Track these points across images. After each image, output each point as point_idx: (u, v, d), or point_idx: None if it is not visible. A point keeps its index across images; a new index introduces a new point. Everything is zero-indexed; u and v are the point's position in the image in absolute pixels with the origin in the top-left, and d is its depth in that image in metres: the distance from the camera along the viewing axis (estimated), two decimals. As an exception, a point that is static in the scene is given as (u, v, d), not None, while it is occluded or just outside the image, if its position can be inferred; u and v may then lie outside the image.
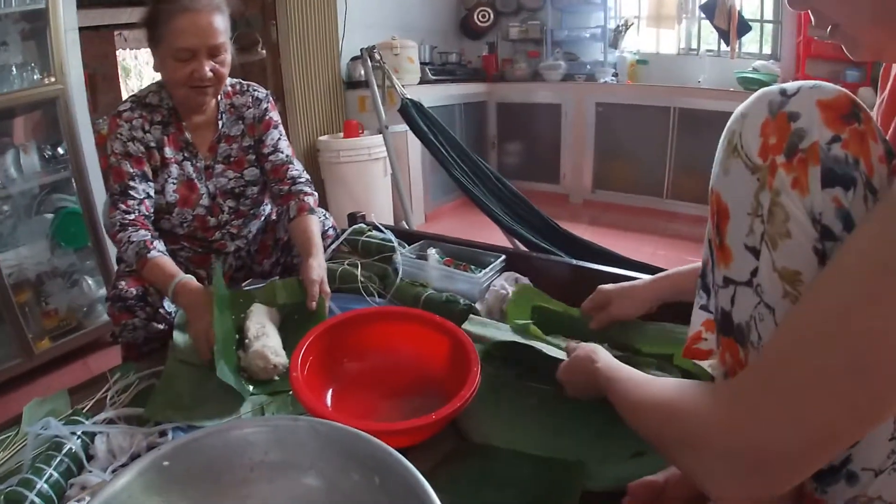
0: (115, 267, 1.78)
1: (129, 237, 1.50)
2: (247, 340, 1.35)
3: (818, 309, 0.55)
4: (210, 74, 1.52)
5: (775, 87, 0.61)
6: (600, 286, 1.32)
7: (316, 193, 1.76)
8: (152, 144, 1.61)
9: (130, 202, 1.55)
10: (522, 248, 2.47)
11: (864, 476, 0.63)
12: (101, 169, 2.75)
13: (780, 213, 0.58)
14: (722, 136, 0.66)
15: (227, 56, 1.58)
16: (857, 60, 0.64)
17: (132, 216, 1.54)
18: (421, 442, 1.06)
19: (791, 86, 0.60)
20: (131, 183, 1.56)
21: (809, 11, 0.66)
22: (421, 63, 4.60)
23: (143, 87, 1.68)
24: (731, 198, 0.64)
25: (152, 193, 1.61)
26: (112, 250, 2.68)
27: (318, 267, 1.50)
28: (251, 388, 1.28)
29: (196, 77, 1.51)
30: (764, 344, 0.62)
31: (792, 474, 0.56)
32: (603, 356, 0.99)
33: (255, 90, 1.77)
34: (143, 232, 1.52)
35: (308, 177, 1.79)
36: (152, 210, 1.61)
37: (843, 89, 0.58)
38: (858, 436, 0.55)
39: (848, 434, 0.53)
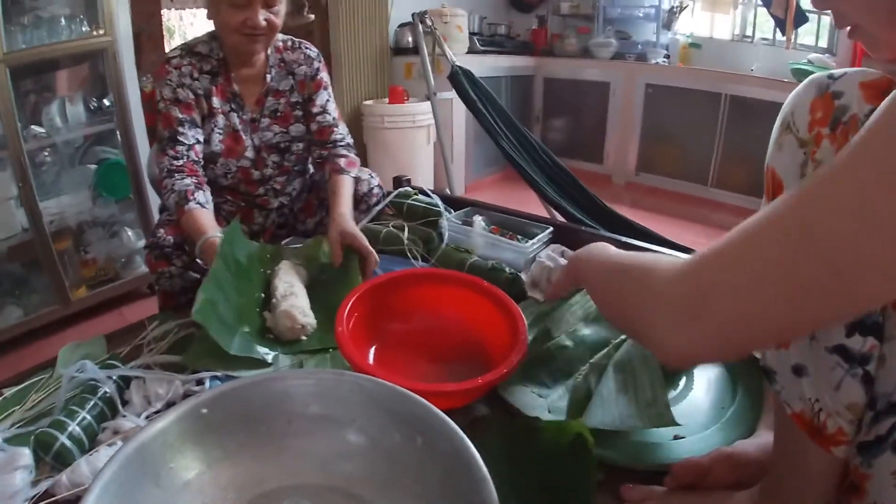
0: (157, 218, 1.78)
1: (174, 184, 1.50)
2: (274, 300, 1.32)
3: (794, 191, 0.56)
4: (263, 23, 1.51)
5: (825, 72, 0.66)
6: None
7: (352, 155, 1.75)
8: (200, 92, 1.61)
9: (179, 147, 1.55)
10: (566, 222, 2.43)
11: None
12: (146, 125, 2.76)
13: None
14: (778, 117, 0.70)
15: (282, 7, 1.57)
16: (878, 60, 0.67)
17: (180, 162, 1.54)
18: (459, 407, 1.04)
19: (839, 71, 0.65)
20: (180, 129, 1.56)
21: (831, 11, 0.69)
22: (470, 33, 4.56)
23: (195, 37, 1.67)
24: (785, 171, 0.68)
25: (201, 139, 1.60)
26: (154, 202, 2.70)
27: (340, 223, 1.49)
28: (279, 349, 1.26)
29: (249, 24, 1.50)
30: None
31: (739, 332, 0.56)
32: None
33: (307, 48, 1.77)
34: (187, 180, 1.51)
35: (350, 140, 1.79)
36: (202, 155, 1.61)
37: (889, 74, 0.61)
38: (803, 312, 0.53)
39: (791, 301, 0.52)
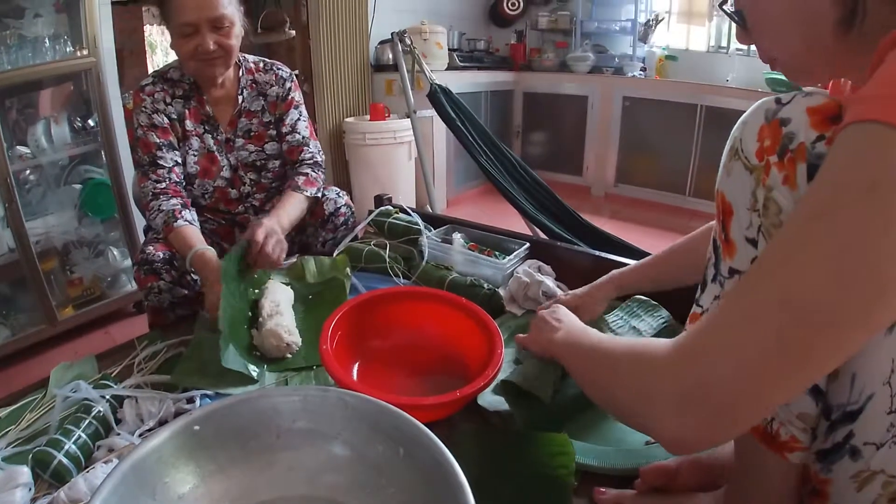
0: (142, 238, 1.81)
1: (160, 205, 1.54)
2: (261, 319, 1.36)
3: (760, 258, 0.60)
4: (214, 47, 1.54)
5: (773, 97, 0.67)
6: (557, 299, 1.37)
7: (315, 174, 1.77)
8: (174, 117, 1.65)
9: (160, 171, 1.59)
10: (544, 237, 2.47)
11: (866, 450, 0.65)
12: (129, 142, 2.77)
13: (774, 207, 0.64)
14: (727, 142, 0.72)
15: (235, 28, 1.58)
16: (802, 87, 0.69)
17: (163, 185, 1.58)
18: (440, 419, 1.08)
19: (787, 96, 0.65)
20: (159, 153, 1.60)
21: (755, 46, 0.75)
22: (449, 49, 4.59)
23: (168, 63, 1.71)
24: (734, 196, 0.69)
25: (180, 161, 1.65)
26: (139, 221, 2.71)
27: (265, 225, 1.50)
28: (265, 366, 1.29)
29: (201, 51, 1.53)
30: None
31: (738, 415, 0.58)
32: (566, 320, 1.02)
33: (279, 69, 1.80)
34: (174, 200, 1.56)
35: (319, 159, 1.81)
36: (182, 176, 1.65)
37: (835, 98, 0.63)
38: (796, 380, 0.56)
39: (784, 376, 0.55)
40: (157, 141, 1.61)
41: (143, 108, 1.61)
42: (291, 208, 1.66)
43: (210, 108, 1.69)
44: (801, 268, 0.53)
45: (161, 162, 1.60)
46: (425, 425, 0.75)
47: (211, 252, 1.47)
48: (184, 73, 1.66)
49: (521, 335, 1.13)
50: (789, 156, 0.62)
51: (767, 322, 0.55)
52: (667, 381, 0.62)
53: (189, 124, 1.67)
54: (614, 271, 1.35)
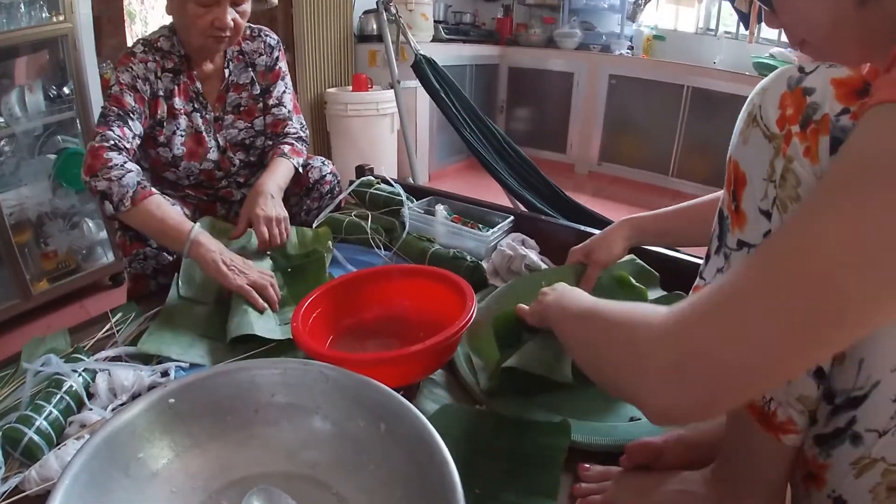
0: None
1: (125, 165, 1.39)
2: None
3: (779, 230, 0.58)
4: (231, 23, 1.47)
5: (795, 66, 0.65)
6: (572, 249, 1.41)
7: (298, 144, 1.72)
8: (160, 93, 1.55)
9: (127, 131, 1.45)
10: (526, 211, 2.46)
11: (868, 437, 0.64)
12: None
13: (792, 179, 0.62)
14: (743, 108, 0.69)
15: (248, 6, 1.53)
16: None
17: (127, 143, 1.44)
18: (418, 380, 1.07)
19: (810, 65, 0.64)
20: (132, 114, 1.47)
21: (783, 28, 0.75)
22: (434, 21, 4.54)
23: (147, 32, 1.62)
24: (749, 165, 0.67)
25: (141, 135, 1.52)
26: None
27: (251, 199, 1.48)
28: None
29: (217, 25, 1.45)
30: None
31: (731, 388, 0.54)
32: (560, 287, 0.96)
33: (266, 35, 1.72)
34: (131, 165, 1.41)
35: (303, 134, 1.76)
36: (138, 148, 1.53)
37: (859, 72, 0.61)
38: (806, 358, 0.54)
39: (795, 352, 0.51)
40: (133, 104, 1.48)
41: (130, 68, 1.49)
42: (281, 173, 1.60)
43: (199, 84, 1.61)
44: (825, 240, 0.49)
45: (131, 125, 1.46)
46: (405, 396, 0.74)
47: (204, 236, 1.36)
48: (174, 44, 1.56)
49: (522, 305, 1.08)
50: (812, 127, 0.60)
51: (784, 294, 0.51)
52: (663, 347, 0.57)
53: (178, 102, 1.57)
54: (628, 216, 1.35)
